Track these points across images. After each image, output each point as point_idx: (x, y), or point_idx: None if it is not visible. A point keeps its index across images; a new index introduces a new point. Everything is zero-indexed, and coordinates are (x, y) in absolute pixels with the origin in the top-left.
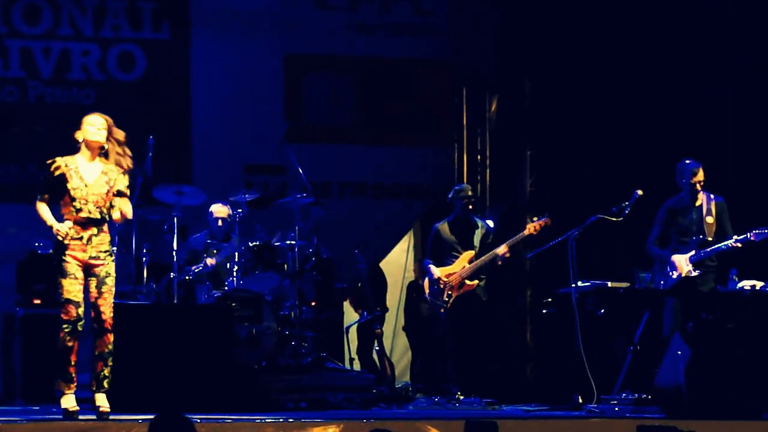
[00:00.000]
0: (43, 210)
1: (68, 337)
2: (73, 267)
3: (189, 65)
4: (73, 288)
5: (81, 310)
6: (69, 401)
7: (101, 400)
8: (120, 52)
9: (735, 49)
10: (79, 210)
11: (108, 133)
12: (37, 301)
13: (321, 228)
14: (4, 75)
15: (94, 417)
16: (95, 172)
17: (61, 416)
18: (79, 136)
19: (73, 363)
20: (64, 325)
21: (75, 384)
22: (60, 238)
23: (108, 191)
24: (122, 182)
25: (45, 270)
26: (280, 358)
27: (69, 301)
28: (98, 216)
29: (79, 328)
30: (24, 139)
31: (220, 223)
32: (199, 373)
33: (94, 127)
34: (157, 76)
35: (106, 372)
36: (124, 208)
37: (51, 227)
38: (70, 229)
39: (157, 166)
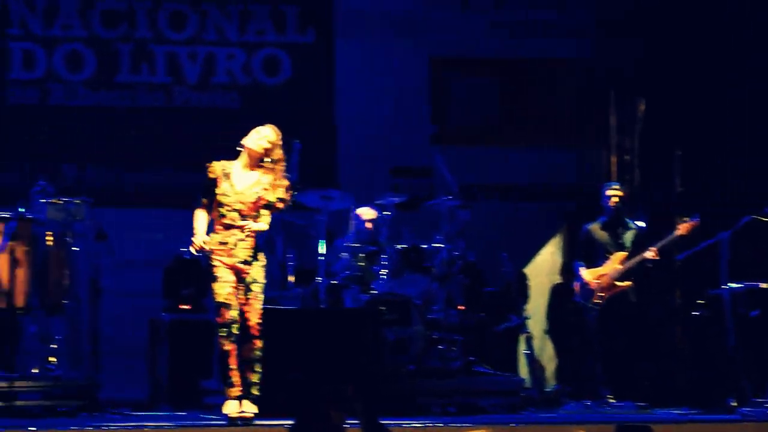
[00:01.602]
0: (197, 217)
1: (224, 341)
2: (222, 270)
3: (334, 68)
4: (223, 291)
5: (234, 313)
6: (231, 407)
7: (247, 406)
8: (265, 56)
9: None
10: (222, 216)
11: (271, 148)
12: (185, 307)
13: (467, 231)
14: (151, 80)
15: (238, 422)
16: (248, 180)
17: (204, 422)
18: (243, 141)
19: (233, 367)
20: (220, 329)
21: (238, 389)
22: (192, 250)
23: (257, 201)
24: (275, 195)
25: (192, 275)
26: (428, 362)
27: (222, 305)
28: (241, 223)
29: (235, 331)
30: (170, 143)
31: (367, 225)
32: (346, 378)
33: (258, 135)
34: (301, 79)
35: (254, 378)
36: (253, 226)
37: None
38: (205, 243)
39: (303, 171)
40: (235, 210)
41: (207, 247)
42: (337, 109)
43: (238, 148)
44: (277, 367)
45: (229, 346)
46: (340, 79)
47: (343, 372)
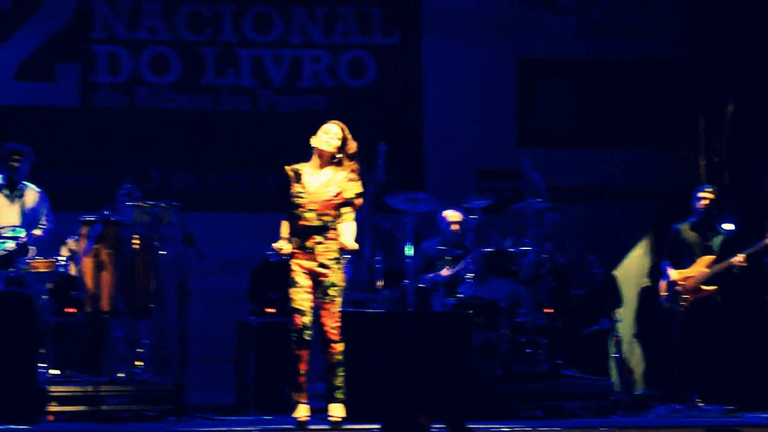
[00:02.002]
0: (283, 226)
1: (295, 347)
2: (299, 276)
3: (420, 70)
4: (298, 297)
5: (307, 319)
6: (300, 411)
7: (335, 410)
8: (350, 58)
9: None
10: (299, 218)
11: (342, 143)
12: (271, 310)
13: (554, 233)
14: (236, 83)
15: (327, 427)
16: (321, 179)
17: (291, 426)
18: (312, 142)
19: (302, 372)
20: (292, 335)
21: (306, 393)
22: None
23: (331, 199)
24: (352, 190)
25: (278, 278)
26: (515, 365)
27: (295, 310)
28: (319, 224)
29: (306, 338)
30: (255, 147)
31: (454, 227)
32: (434, 382)
33: (327, 135)
34: (387, 81)
35: (338, 382)
36: (346, 241)
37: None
38: (282, 248)
39: (389, 173)
40: (311, 210)
41: (285, 251)
42: (424, 111)
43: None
44: (364, 370)
45: (298, 352)
46: (426, 81)
47: (430, 376)
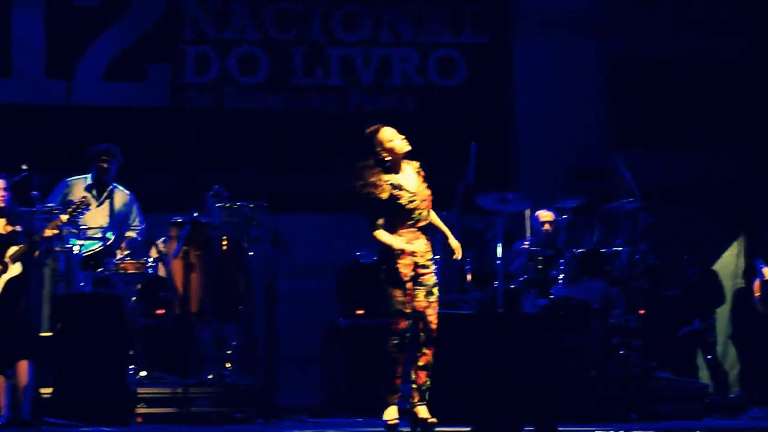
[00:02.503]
0: (384, 235)
1: (396, 350)
2: (405, 277)
3: (511, 69)
4: (403, 299)
5: (409, 322)
6: (391, 413)
7: (425, 412)
8: (440, 57)
9: None
10: (411, 219)
11: None
12: (360, 312)
13: (646, 234)
14: (325, 83)
15: (418, 429)
16: (411, 177)
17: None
18: (397, 149)
19: (399, 374)
20: (393, 337)
21: (399, 395)
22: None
23: (430, 194)
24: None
25: (367, 280)
26: (608, 368)
27: (400, 313)
28: (426, 223)
29: (407, 341)
30: (344, 147)
31: (546, 227)
32: (524, 383)
33: (396, 136)
34: (478, 80)
35: (428, 384)
36: (455, 242)
37: (393, 248)
38: (402, 250)
39: (480, 173)
40: (420, 209)
41: (410, 250)
42: (515, 110)
43: (384, 157)
44: (454, 372)
45: (398, 355)
46: (517, 80)
47: (520, 378)
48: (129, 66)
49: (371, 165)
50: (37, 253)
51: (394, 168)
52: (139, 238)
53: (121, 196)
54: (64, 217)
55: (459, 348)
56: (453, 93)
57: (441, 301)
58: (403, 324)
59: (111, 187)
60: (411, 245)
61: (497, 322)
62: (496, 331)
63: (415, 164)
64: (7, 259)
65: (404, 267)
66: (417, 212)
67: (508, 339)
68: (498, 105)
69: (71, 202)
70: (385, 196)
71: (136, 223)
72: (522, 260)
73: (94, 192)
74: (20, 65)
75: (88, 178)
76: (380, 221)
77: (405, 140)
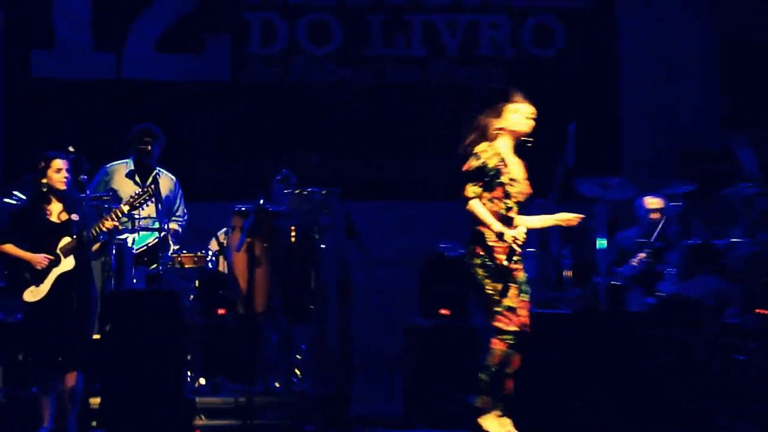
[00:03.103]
0: (482, 210)
1: (511, 349)
2: (517, 273)
3: (616, 39)
4: (514, 292)
5: (522, 319)
6: (497, 426)
7: (509, 425)
8: (535, 24)
9: None
10: (509, 208)
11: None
12: (444, 312)
13: (765, 222)
14: (405, 53)
15: None
16: (518, 164)
17: None
18: (500, 122)
19: (509, 378)
20: (505, 336)
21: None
22: (511, 246)
23: (530, 191)
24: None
25: (453, 275)
26: (715, 370)
27: (510, 308)
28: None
29: (520, 339)
30: (426, 125)
31: (654, 216)
32: (626, 388)
33: (521, 113)
34: (577, 51)
35: (512, 393)
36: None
37: (497, 232)
38: (519, 236)
39: (580, 156)
40: (518, 202)
41: (520, 240)
42: (620, 86)
43: (497, 131)
44: (550, 379)
45: (514, 356)
46: (621, 51)
47: (625, 384)
48: (185, 36)
49: (488, 127)
50: (97, 246)
51: (505, 145)
52: (182, 232)
53: (167, 181)
54: (125, 208)
55: (555, 351)
56: (549, 64)
57: (534, 299)
58: (515, 321)
59: (155, 171)
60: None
61: (598, 323)
62: (597, 332)
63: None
64: (59, 251)
65: (502, 253)
66: (513, 200)
67: (611, 341)
68: (599, 79)
69: (113, 191)
70: (491, 163)
71: (180, 212)
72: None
73: (137, 178)
74: (63, 36)
75: (130, 163)
76: (478, 189)
77: (529, 120)
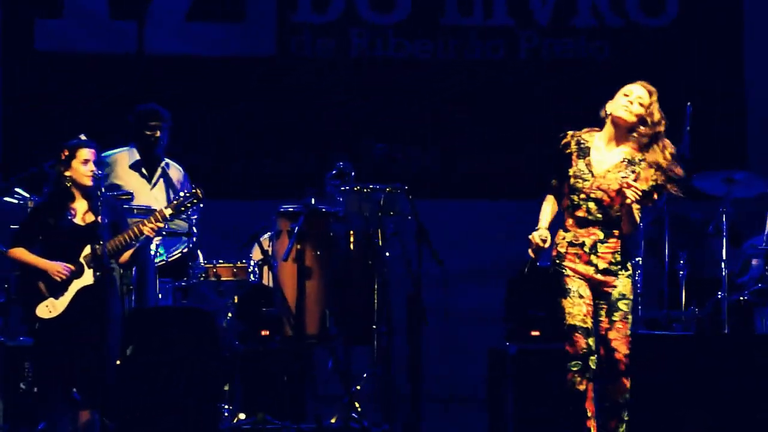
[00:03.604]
0: (544, 205)
1: (578, 378)
2: (575, 282)
3: (741, 6)
4: (578, 311)
5: (592, 341)
6: None
7: None
8: None
9: None
10: (576, 206)
11: (645, 114)
12: (535, 333)
13: None
14: (487, 23)
15: None
16: (613, 159)
17: None
18: (608, 107)
19: (590, 415)
20: (572, 362)
21: None
22: (529, 252)
23: (620, 188)
24: (648, 182)
25: (546, 289)
26: None
27: (574, 329)
28: (600, 217)
29: (592, 365)
30: (513, 109)
31: None
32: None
33: (625, 98)
34: (694, 21)
35: (622, 430)
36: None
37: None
38: (542, 239)
39: (697, 145)
40: (592, 200)
41: (545, 245)
42: (746, 61)
43: (603, 116)
44: (661, 414)
45: (583, 386)
46: (748, 21)
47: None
48: (221, 1)
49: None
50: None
51: (607, 133)
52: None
53: (176, 174)
54: (168, 211)
55: (667, 381)
56: (661, 36)
57: (644, 318)
58: (581, 344)
59: (164, 162)
60: (575, 238)
61: (721, 347)
62: (718, 358)
63: (654, 154)
64: (82, 260)
65: (568, 270)
66: (587, 200)
67: (735, 368)
68: (720, 54)
69: (116, 186)
70: (565, 151)
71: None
72: (757, 264)
73: (144, 170)
74: (73, 2)
75: (133, 152)
76: (553, 181)
77: (632, 106)
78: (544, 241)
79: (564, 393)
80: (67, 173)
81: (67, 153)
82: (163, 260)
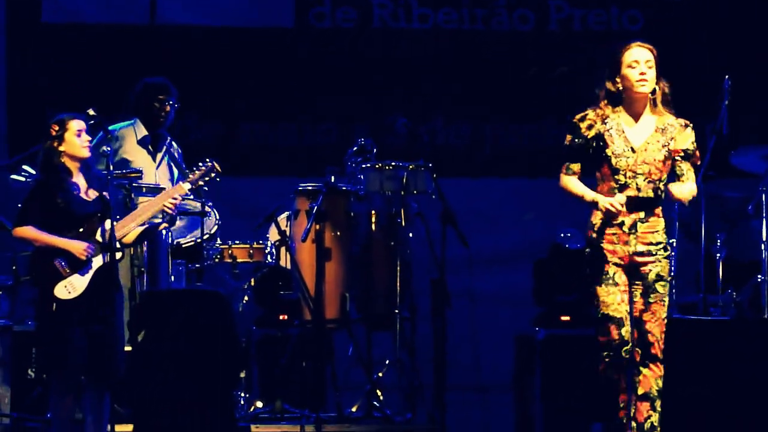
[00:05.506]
0: (572, 183)
1: (610, 370)
2: (611, 268)
3: None
4: (612, 299)
5: (626, 331)
6: None
7: None
8: None
9: None
10: (624, 186)
11: (657, 71)
12: (565, 318)
13: None
14: None
15: None
16: (646, 130)
17: None
18: (619, 85)
19: (622, 405)
20: (604, 353)
21: None
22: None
23: (665, 157)
24: (686, 139)
25: (575, 272)
26: None
27: (608, 318)
28: (651, 194)
29: (625, 355)
30: (542, 84)
31: None
32: None
33: (635, 70)
34: None
35: (654, 420)
36: (678, 191)
37: (590, 201)
38: (621, 205)
39: (737, 120)
40: (641, 174)
41: (620, 207)
42: None
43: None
44: (695, 403)
45: (616, 377)
46: None
47: None
48: None
49: (603, 86)
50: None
51: (629, 107)
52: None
53: (176, 152)
54: (186, 186)
55: (703, 369)
56: (696, 5)
57: (679, 303)
58: (616, 334)
59: (168, 139)
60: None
61: (761, 332)
62: (759, 344)
63: (678, 122)
64: (99, 237)
65: (608, 253)
66: (630, 177)
67: None
68: (761, 22)
69: (126, 162)
70: (589, 134)
71: None
72: None
73: (150, 147)
74: None
75: (140, 127)
76: (574, 166)
77: (651, 75)
78: (623, 205)
79: (596, 383)
80: (60, 148)
81: (57, 128)
82: (190, 241)
